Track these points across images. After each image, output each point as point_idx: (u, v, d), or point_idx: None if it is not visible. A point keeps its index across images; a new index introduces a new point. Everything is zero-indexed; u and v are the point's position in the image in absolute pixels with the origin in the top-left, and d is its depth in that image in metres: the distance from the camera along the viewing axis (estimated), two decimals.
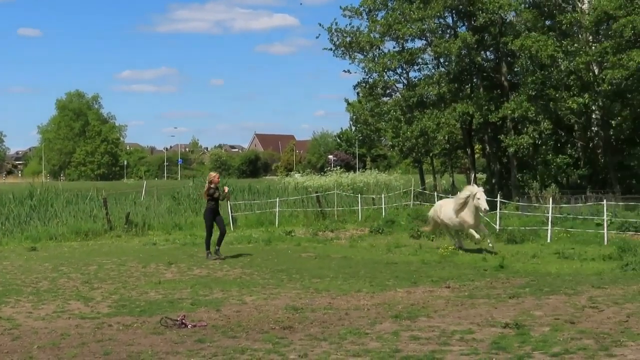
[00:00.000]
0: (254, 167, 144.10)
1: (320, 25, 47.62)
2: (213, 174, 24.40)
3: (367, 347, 10.59)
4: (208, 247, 22.68)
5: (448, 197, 28.24)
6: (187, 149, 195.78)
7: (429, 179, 51.79)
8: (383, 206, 38.48)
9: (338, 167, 75.35)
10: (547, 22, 42.17)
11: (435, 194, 37.47)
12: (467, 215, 23.37)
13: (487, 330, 11.56)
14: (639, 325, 11.71)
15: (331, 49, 46.29)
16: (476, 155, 53.31)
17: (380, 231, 30.61)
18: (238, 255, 23.42)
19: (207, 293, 16.04)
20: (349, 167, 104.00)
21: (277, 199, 37.14)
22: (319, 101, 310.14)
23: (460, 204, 23.41)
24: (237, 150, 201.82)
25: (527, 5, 42.68)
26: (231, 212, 34.17)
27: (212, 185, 22.83)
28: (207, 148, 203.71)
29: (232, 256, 22.94)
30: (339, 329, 11.91)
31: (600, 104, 39.23)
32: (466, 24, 44.93)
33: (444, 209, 24.51)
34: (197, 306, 14.44)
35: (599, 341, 10.62)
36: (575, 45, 38.87)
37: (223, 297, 15.43)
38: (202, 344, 11.05)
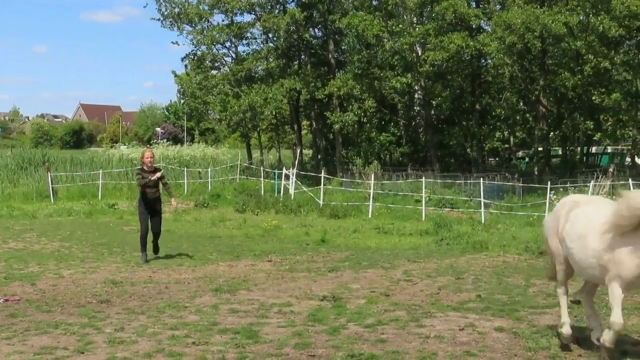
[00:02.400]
0: (77, 138, 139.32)
1: None
2: (146, 152, 18.22)
3: (185, 321, 10.51)
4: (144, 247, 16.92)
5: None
6: (7, 118, 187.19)
7: (256, 154, 51.89)
8: (209, 180, 38.28)
9: (165, 140, 74.19)
10: (374, 2, 42.95)
11: (262, 168, 37.60)
12: None
13: (305, 303, 11.73)
14: (448, 297, 12.21)
15: (159, 19, 45.34)
16: (304, 132, 53.91)
17: (206, 205, 30.49)
18: (57, 227, 22.68)
19: (22, 267, 15.47)
20: (177, 140, 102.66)
21: (101, 171, 36.23)
22: (147, 72, 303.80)
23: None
24: (60, 120, 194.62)
25: None
26: (51, 184, 33.04)
27: (146, 168, 17.36)
28: (28, 117, 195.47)
29: (51, 229, 22.19)
30: (158, 303, 11.77)
31: (423, 84, 40.50)
32: (295, 0, 45.12)
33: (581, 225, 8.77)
34: (10, 280, 13.90)
35: (410, 312, 10.99)
36: (400, 26, 39.89)
37: (39, 271, 14.91)
38: (13, 319, 10.64)
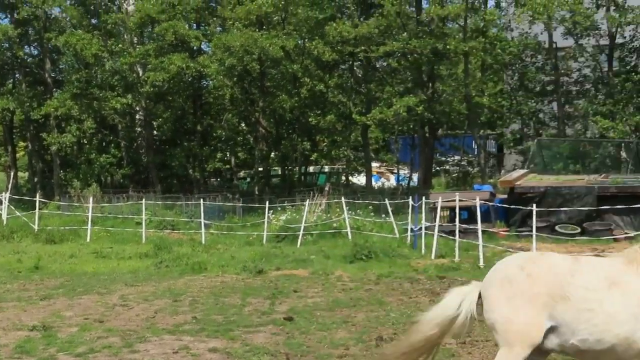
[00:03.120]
0: None
1: None
2: None
3: None
4: None
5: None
6: None
7: None
8: None
9: None
10: (93, 21, 42.05)
11: None
12: None
13: (13, 334, 11.13)
14: (164, 321, 12.09)
15: None
16: (20, 153, 51.41)
17: None
18: None
19: None
20: None
21: None
22: None
23: None
24: None
25: (72, 3, 42.11)
26: None
27: None
28: None
29: None
30: None
31: (144, 104, 40.10)
32: (9, 16, 42.99)
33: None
34: None
35: (124, 338, 10.75)
36: (120, 45, 39.32)
37: None
38: None
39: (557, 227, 22.54)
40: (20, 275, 18.35)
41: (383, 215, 26.99)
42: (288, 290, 14.93)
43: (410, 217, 23.07)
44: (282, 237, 25.39)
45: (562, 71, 36.07)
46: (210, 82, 40.88)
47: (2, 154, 50.85)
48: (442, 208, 22.02)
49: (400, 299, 13.75)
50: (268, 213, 26.86)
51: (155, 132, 42.99)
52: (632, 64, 34.58)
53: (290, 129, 40.67)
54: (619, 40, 34.54)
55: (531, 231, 19.21)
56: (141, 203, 29.01)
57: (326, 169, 44.88)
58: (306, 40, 36.60)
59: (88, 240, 26.48)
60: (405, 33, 35.57)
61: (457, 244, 19.22)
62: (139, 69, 40.16)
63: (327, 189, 31.33)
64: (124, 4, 41.03)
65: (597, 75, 35.35)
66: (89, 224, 27.71)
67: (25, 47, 43.75)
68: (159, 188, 38.66)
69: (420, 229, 21.38)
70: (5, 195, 32.10)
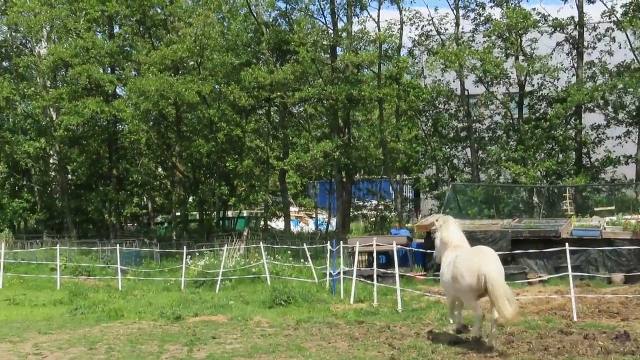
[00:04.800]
0: None
1: None
2: None
3: None
4: None
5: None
6: None
7: None
8: None
9: None
10: (5, 64, 41.43)
11: None
12: None
13: None
14: None
15: None
16: None
17: None
18: None
19: None
20: None
21: None
22: None
23: None
24: None
25: None
26: None
27: None
28: None
29: None
30: None
31: (58, 148, 39.46)
32: None
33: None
34: None
35: None
36: (33, 89, 38.78)
37: None
38: None
39: None
40: None
41: (302, 260, 26.99)
42: (206, 336, 14.80)
43: (329, 261, 23.15)
44: (201, 283, 25.17)
45: (475, 118, 36.88)
46: (126, 126, 40.51)
47: None
48: (360, 252, 22.16)
49: (319, 344, 13.76)
50: (186, 258, 26.60)
51: (70, 176, 42.26)
52: (541, 111, 35.61)
53: (207, 173, 40.53)
54: (528, 88, 35.56)
55: None
56: (56, 249, 28.45)
57: (245, 213, 44.74)
58: (222, 85, 36.65)
59: (0, 287, 25.81)
60: (321, 79, 36.05)
61: (375, 289, 19.34)
62: (52, 113, 39.59)
63: (245, 233, 31.25)
64: (37, 47, 40.45)
65: (507, 122, 36.26)
66: (1, 270, 27.03)
67: None
68: (75, 233, 37.94)
69: (339, 273, 21.45)
70: None
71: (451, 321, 14.26)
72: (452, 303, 13.45)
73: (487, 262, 12.31)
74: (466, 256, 12.73)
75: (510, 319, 12.24)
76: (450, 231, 13.68)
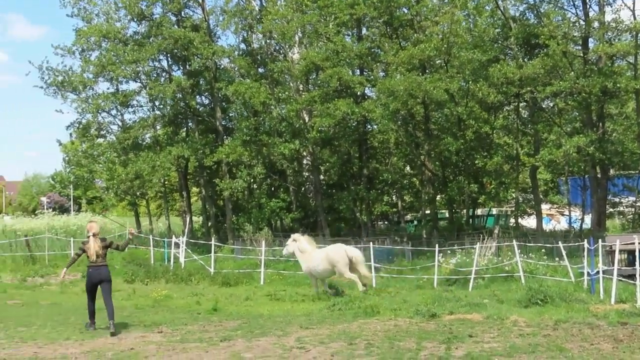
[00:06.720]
0: None
1: (30, 62, 45.32)
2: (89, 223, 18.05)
3: None
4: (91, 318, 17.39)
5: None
6: None
7: (145, 222, 51.06)
8: None
9: (51, 210, 72.38)
10: (260, 70, 43.44)
11: (151, 237, 36.93)
12: None
13: None
14: None
15: (42, 87, 44.43)
16: (193, 198, 53.47)
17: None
18: None
19: None
20: (63, 210, 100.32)
21: None
22: (30, 141, 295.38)
23: None
24: None
25: (240, 53, 43.78)
26: None
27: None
28: None
29: None
30: None
31: (311, 150, 40.89)
32: (181, 68, 45.11)
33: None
34: None
35: None
36: (287, 93, 40.40)
37: None
38: None
39: None
40: (200, 317, 19.01)
41: (556, 259, 26.25)
42: (463, 334, 14.75)
43: (586, 260, 22.34)
44: (453, 281, 25.18)
45: None
46: (375, 126, 41.24)
47: (177, 200, 53.08)
48: (620, 251, 21.23)
49: (581, 345, 13.31)
50: (438, 256, 26.69)
51: (322, 176, 43.68)
52: None
53: (456, 171, 40.34)
54: None
55: None
56: None
57: (494, 211, 44.16)
58: (470, 82, 36.35)
59: (262, 282, 27.17)
60: (572, 72, 34.75)
61: (638, 289, 18.41)
62: (305, 115, 41.06)
63: (496, 231, 30.85)
64: (289, 53, 42.19)
65: None
66: (262, 267, 28.41)
67: (197, 96, 45.59)
68: (328, 231, 39.20)
69: (598, 272, 20.65)
70: (183, 240, 33.45)
71: None
72: None
73: None
74: None
75: None
76: None
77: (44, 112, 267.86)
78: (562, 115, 40.60)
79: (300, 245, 24.60)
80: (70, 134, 47.63)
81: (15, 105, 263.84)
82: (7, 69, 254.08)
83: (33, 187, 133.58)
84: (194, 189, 52.82)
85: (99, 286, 17.01)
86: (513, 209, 42.25)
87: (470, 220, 41.19)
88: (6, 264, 34.37)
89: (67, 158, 48.89)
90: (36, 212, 74.96)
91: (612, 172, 39.96)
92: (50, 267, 33.17)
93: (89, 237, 17.23)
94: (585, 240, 23.26)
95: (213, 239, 33.42)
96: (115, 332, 16.08)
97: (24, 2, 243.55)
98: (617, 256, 20.16)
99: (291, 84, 41.92)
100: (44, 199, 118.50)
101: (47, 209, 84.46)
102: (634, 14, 34.35)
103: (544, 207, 46.09)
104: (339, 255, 23.32)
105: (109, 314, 16.52)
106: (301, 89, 41.61)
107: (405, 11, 39.71)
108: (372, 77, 39.89)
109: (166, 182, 48.18)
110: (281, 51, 43.69)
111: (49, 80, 44.04)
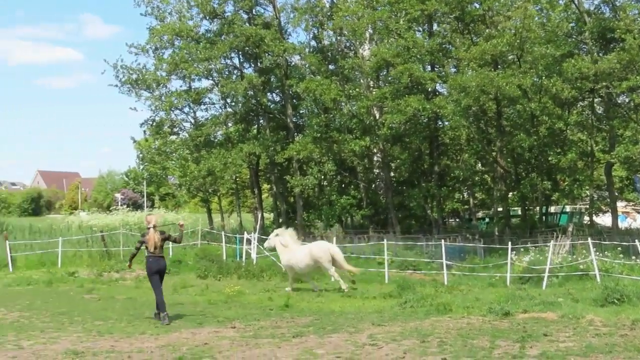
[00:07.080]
0: (36, 205, 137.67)
1: (105, 61, 46.18)
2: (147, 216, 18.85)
3: None
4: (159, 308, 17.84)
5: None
6: None
7: (217, 219, 51.67)
8: (170, 245, 37.85)
9: (125, 206, 73.71)
10: (331, 67, 43.50)
11: (223, 233, 37.33)
12: None
13: None
14: None
15: (116, 86, 45.25)
16: (264, 195, 53.88)
17: (167, 271, 30.07)
18: (16, 297, 22.25)
19: None
20: (137, 206, 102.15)
21: (60, 239, 35.62)
22: (105, 138, 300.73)
23: None
24: (18, 187, 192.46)
25: (311, 50, 43.92)
26: (9, 253, 32.50)
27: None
28: None
29: (10, 299, 21.76)
30: None
31: (381, 146, 40.81)
32: (252, 65, 45.47)
33: None
34: None
35: None
36: (357, 89, 40.36)
37: None
38: None
39: None
40: (272, 313, 19.14)
41: (633, 257, 25.71)
42: (537, 333, 14.55)
43: None
44: (526, 279, 24.87)
45: None
46: (446, 122, 40.95)
47: (249, 197, 53.56)
48: None
49: None
50: (510, 254, 26.38)
51: (392, 173, 43.56)
52: None
53: (529, 168, 39.78)
54: None
55: None
56: (382, 243, 29.46)
57: (568, 209, 43.46)
58: (543, 77, 35.80)
59: (332, 279, 27.19)
60: None
61: None
62: (375, 112, 41.01)
63: (570, 229, 30.37)
64: (360, 50, 42.19)
65: None
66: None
67: (268, 94, 45.94)
68: (398, 228, 39.09)
69: None
70: (254, 236, 33.72)
71: None
72: None
73: None
74: None
75: None
76: None
77: (118, 110, 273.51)
78: (639, 111, 39.70)
79: (282, 239, 25.57)
80: (144, 131, 48.45)
81: (90, 104, 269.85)
82: (82, 68, 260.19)
83: (107, 184, 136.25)
84: (265, 186, 53.24)
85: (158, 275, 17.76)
86: (587, 206, 41.52)
87: (544, 217, 40.60)
88: (83, 259, 35.09)
89: (140, 155, 49.72)
90: (110, 208, 76.47)
91: None
92: (125, 262, 33.69)
93: (148, 228, 17.77)
94: None
95: None
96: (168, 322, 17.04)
97: (97, 2, 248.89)
98: None
99: (362, 81, 41.91)
100: (118, 196, 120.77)
101: (121, 205, 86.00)
102: None
103: (619, 204, 45.17)
104: (323, 251, 24.63)
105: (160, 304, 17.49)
106: (372, 85, 41.57)
107: (477, 6, 39.31)
108: (443, 73, 39.59)
109: (237, 179, 48.66)
110: (352, 48, 43.73)
111: (123, 79, 44.86)
